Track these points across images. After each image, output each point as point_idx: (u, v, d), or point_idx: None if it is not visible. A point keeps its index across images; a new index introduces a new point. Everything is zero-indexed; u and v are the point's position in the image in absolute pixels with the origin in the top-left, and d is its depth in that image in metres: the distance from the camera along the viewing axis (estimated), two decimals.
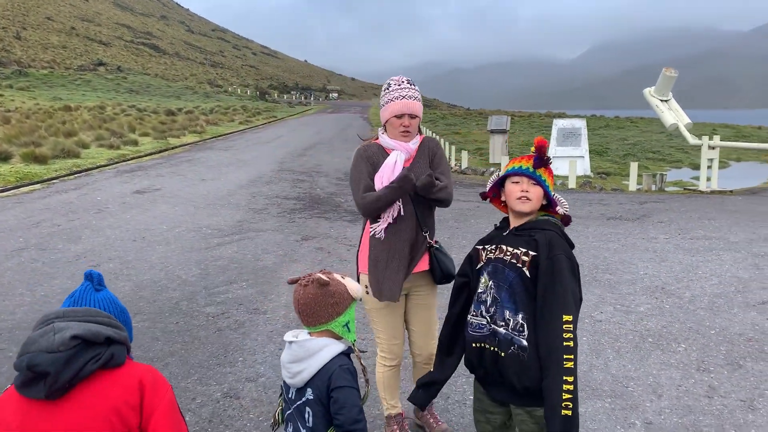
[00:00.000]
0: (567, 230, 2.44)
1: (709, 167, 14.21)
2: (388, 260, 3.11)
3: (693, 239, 8.23)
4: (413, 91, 3.11)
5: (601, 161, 22.22)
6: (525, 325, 2.23)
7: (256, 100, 78.48)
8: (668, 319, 5.21)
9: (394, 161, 3.09)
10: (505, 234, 2.42)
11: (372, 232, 3.17)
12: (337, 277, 2.06)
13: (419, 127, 3.23)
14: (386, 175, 3.07)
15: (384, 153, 3.17)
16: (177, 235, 8.35)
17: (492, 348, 2.31)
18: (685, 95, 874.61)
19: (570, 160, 16.29)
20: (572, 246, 2.34)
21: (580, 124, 18.86)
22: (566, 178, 15.95)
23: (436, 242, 3.20)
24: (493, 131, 20.24)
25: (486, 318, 2.34)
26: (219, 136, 28.89)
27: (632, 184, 15.33)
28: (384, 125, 3.20)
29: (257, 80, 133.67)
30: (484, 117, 55.65)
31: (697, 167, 23.11)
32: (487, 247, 2.46)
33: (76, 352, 1.54)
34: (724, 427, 3.52)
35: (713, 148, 13.91)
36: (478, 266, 2.45)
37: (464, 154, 18.35)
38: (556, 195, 2.41)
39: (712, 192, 13.54)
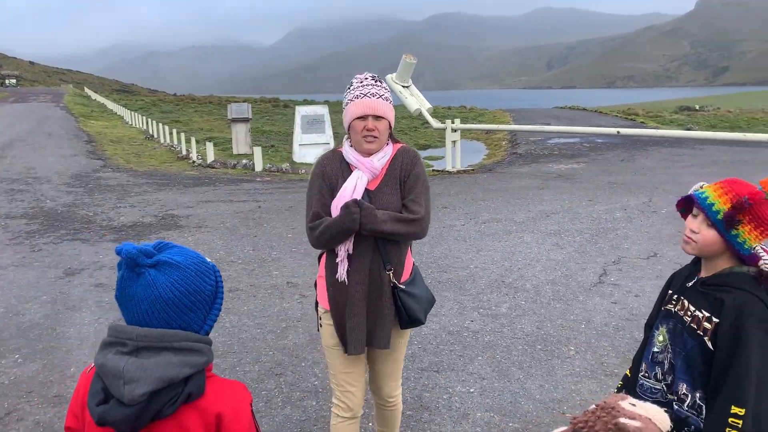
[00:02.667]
0: None
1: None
2: (347, 305, 2.58)
3: (486, 223, 8.47)
4: (379, 88, 2.59)
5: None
6: (704, 407, 1.80)
7: None
8: (535, 318, 5.06)
9: (353, 185, 2.54)
10: (690, 285, 1.92)
11: (328, 269, 2.62)
12: (639, 411, 1.14)
13: (391, 134, 2.68)
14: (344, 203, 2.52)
15: (346, 169, 2.62)
16: None
17: None
18: (380, 76, 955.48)
19: (324, 147, 16.03)
20: None
21: (323, 110, 18.77)
22: None
23: (405, 281, 2.63)
24: (234, 120, 19.01)
25: (662, 385, 1.95)
26: None
27: None
28: (348, 133, 2.66)
29: None
30: (200, 103, 53.11)
31: (421, 147, 25.01)
32: (672, 293, 1.98)
33: (149, 403, 1.35)
34: None
35: (455, 130, 14.86)
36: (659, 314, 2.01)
37: (209, 146, 16.85)
38: (757, 248, 1.78)
39: (459, 172, 14.49)
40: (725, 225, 1.79)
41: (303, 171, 15.39)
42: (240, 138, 19.07)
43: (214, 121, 34.96)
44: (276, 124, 32.52)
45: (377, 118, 2.54)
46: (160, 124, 24.40)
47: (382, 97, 2.57)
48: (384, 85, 2.63)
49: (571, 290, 5.71)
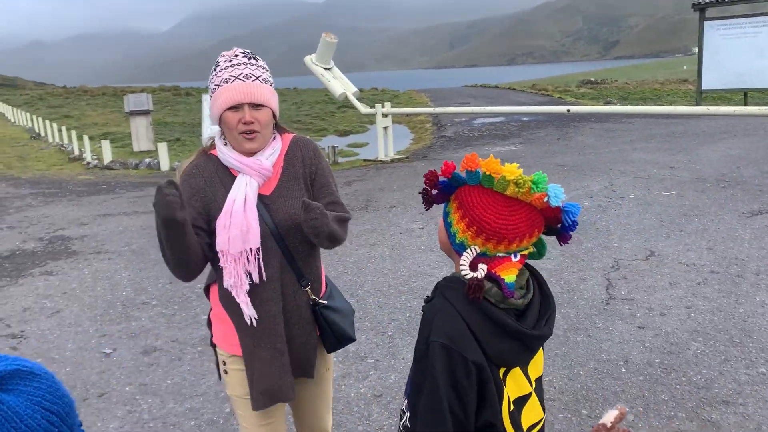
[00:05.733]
0: None
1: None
2: (257, 346, 2.05)
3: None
4: (255, 68, 2.01)
5: None
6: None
7: None
8: (551, 362, 3.92)
9: (243, 194, 1.99)
10: None
11: (227, 306, 2.08)
12: None
13: (276, 123, 2.12)
14: (236, 221, 1.97)
15: (227, 176, 2.06)
16: None
17: None
18: (280, 60, 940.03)
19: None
20: (501, 324, 1.37)
21: None
22: None
23: (324, 294, 2.21)
24: (132, 113, 16.89)
25: None
26: None
27: None
28: (220, 127, 2.06)
29: None
30: (92, 95, 49.06)
31: (341, 134, 23.61)
32: None
33: None
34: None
35: (386, 115, 13.62)
36: None
37: (105, 144, 14.76)
38: (473, 246, 1.43)
39: (392, 160, 13.28)
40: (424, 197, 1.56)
41: None
42: (140, 133, 16.99)
43: (110, 114, 32.06)
44: (179, 114, 30.15)
45: (256, 106, 2.00)
46: (47, 121, 21.71)
47: (260, 78, 2.02)
48: (261, 62, 2.06)
49: (584, 312, 4.63)
